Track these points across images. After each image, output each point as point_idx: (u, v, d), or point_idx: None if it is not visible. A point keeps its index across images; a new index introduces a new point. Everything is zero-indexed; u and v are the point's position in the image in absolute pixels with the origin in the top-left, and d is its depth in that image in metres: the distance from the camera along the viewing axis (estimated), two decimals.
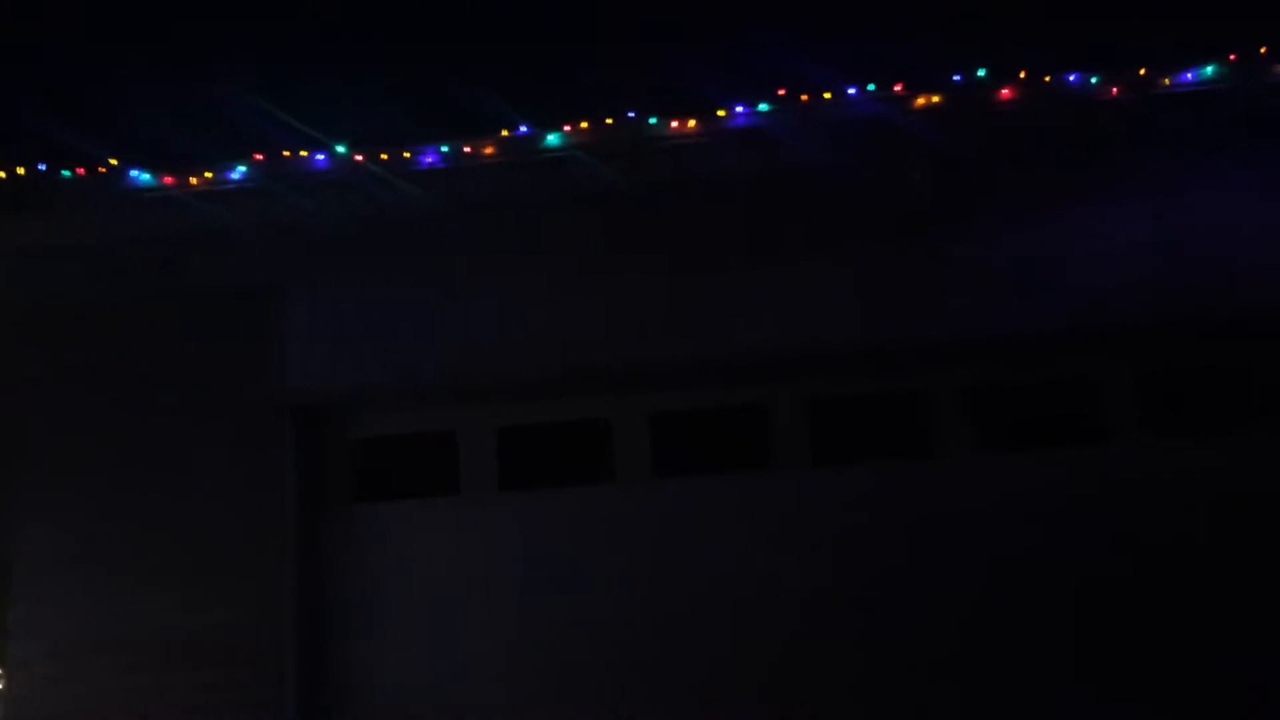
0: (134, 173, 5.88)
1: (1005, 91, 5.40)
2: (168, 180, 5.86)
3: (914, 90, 5.42)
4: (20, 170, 5.88)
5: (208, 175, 5.85)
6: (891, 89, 5.43)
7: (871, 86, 5.39)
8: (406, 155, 5.66)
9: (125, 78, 6.66)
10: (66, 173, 5.93)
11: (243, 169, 5.80)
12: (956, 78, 5.39)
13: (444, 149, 5.64)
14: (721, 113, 5.45)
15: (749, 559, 5.80)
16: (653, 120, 5.49)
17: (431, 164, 5.66)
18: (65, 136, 6.10)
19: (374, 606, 6.08)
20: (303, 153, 5.76)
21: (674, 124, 5.45)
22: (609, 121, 5.53)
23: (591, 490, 6.07)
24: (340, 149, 5.69)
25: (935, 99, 5.40)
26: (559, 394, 6.15)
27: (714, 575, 5.81)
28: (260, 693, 5.84)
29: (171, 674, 5.93)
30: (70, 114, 6.36)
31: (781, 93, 5.46)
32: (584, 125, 5.56)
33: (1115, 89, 5.35)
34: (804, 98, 5.47)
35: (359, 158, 5.69)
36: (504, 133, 5.65)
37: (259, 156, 5.79)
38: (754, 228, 5.87)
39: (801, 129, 5.41)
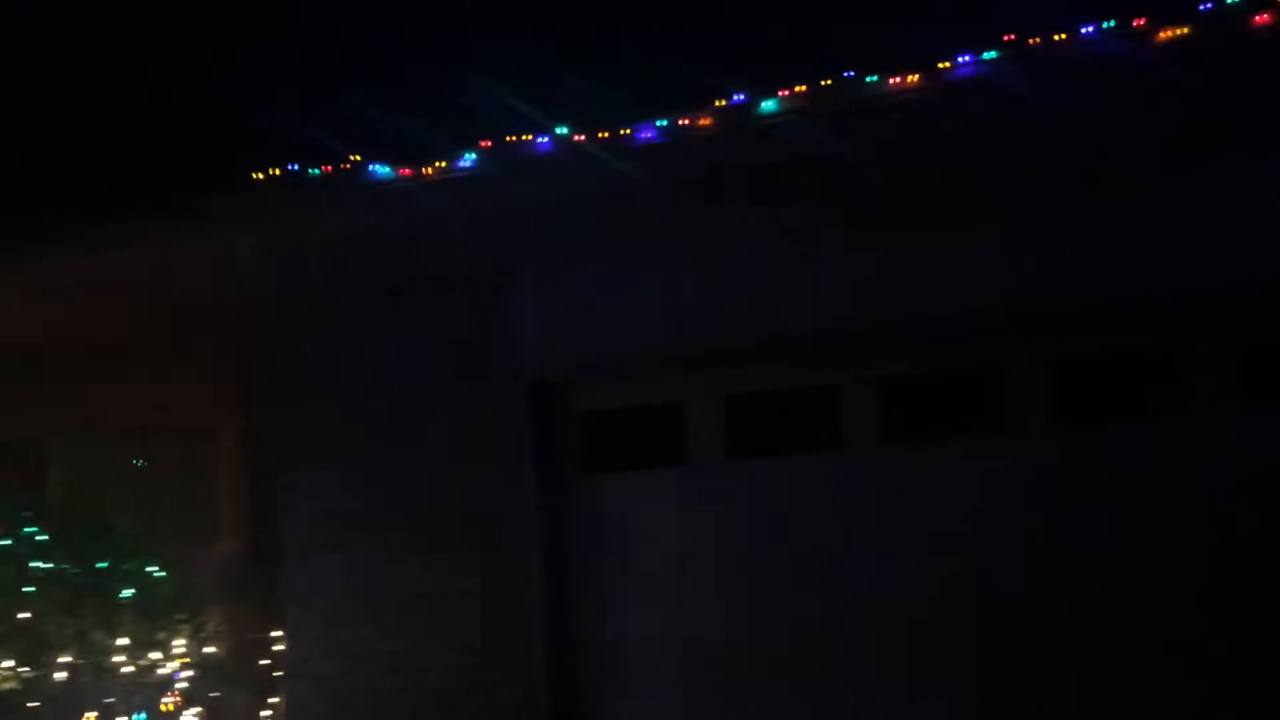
0: (373, 167, 6.12)
1: (1263, 16, 4.84)
2: (404, 172, 6.08)
3: (1156, 24, 4.93)
4: (275, 171, 6.21)
5: (440, 165, 6.03)
6: (1130, 24, 4.96)
7: (1110, 23, 4.94)
8: (625, 132, 5.65)
9: (362, 76, 6.94)
10: (314, 170, 6.22)
11: (472, 156, 5.94)
12: (1205, 6, 4.86)
13: (661, 124, 5.58)
14: (945, 65, 5.14)
15: (993, 525, 5.52)
16: (872, 78, 5.24)
17: (649, 139, 5.63)
18: (311, 136, 6.43)
19: (609, 575, 6.18)
20: (526, 137, 5.83)
21: (894, 80, 5.19)
22: (826, 83, 5.33)
23: (820, 458, 5.93)
24: (561, 131, 5.72)
25: (1181, 31, 4.90)
26: (784, 361, 6.03)
27: (952, 542, 5.57)
28: (508, 656, 6.03)
29: (429, 639, 6.21)
30: (314, 115, 6.69)
31: (1009, 38, 5.09)
32: (800, 89, 5.37)
33: None
34: (1034, 41, 5.09)
35: (580, 138, 5.71)
36: (719, 103, 5.54)
37: (486, 143, 5.90)
38: (980, 183, 5.53)
39: (1032, 75, 5.03)
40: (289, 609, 6.36)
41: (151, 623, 4.16)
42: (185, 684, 4.47)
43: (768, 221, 5.87)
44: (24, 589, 3.98)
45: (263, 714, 6.27)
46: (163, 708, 4.37)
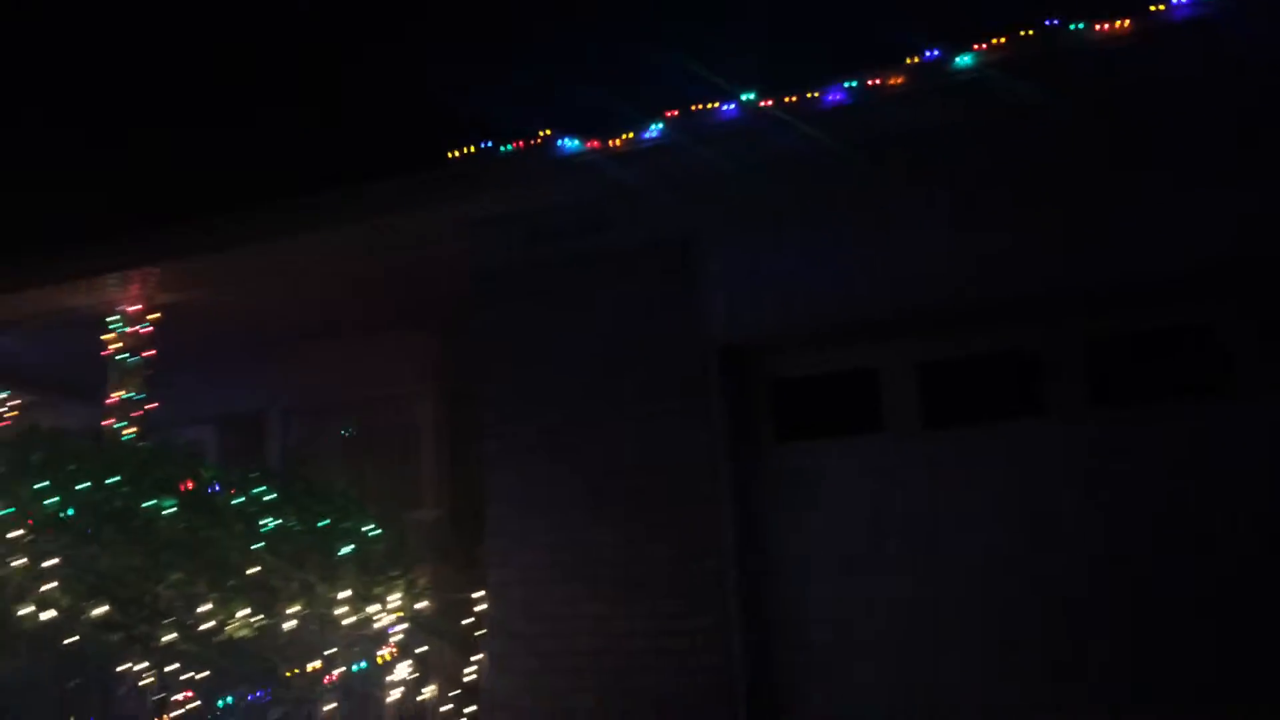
0: (562, 141, 6.19)
1: None
2: (592, 144, 6.13)
3: None
4: (470, 149, 6.36)
5: (627, 136, 6.05)
6: None
7: None
8: (812, 95, 5.53)
9: (550, 53, 7.03)
10: (506, 147, 6.34)
11: (658, 127, 5.93)
12: None
13: (849, 85, 5.44)
14: (1159, 7, 4.81)
15: (1208, 486, 5.21)
16: (1076, 25, 4.96)
17: (837, 101, 5.51)
18: (503, 114, 6.56)
19: (802, 540, 6.12)
20: (712, 105, 5.79)
21: (1101, 27, 4.90)
22: (1025, 34, 5.08)
23: (1020, 424, 5.71)
24: (747, 97, 5.65)
25: None
26: (980, 325, 5.83)
27: (1168, 515, 5.28)
28: (703, 620, 6.06)
29: (623, 603, 6.30)
30: (505, 92, 6.82)
31: None
32: (998, 41, 5.14)
33: None
34: None
35: (766, 103, 5.62)
36: (911, 60, 5.36)
37: (672, 113, 5.88)
38: (1190, 133, 5.19)
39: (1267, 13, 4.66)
40: (490, 570, 6.56)
41: (369, 578, 4.36)
42: (399, 637, 4.66)
43: (958, 181, 5.67)
44: (255, 545, 4.23)
45: (466, 670, 6.48)
46: (379, 659, 4.57)
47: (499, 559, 6.65)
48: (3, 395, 10.22)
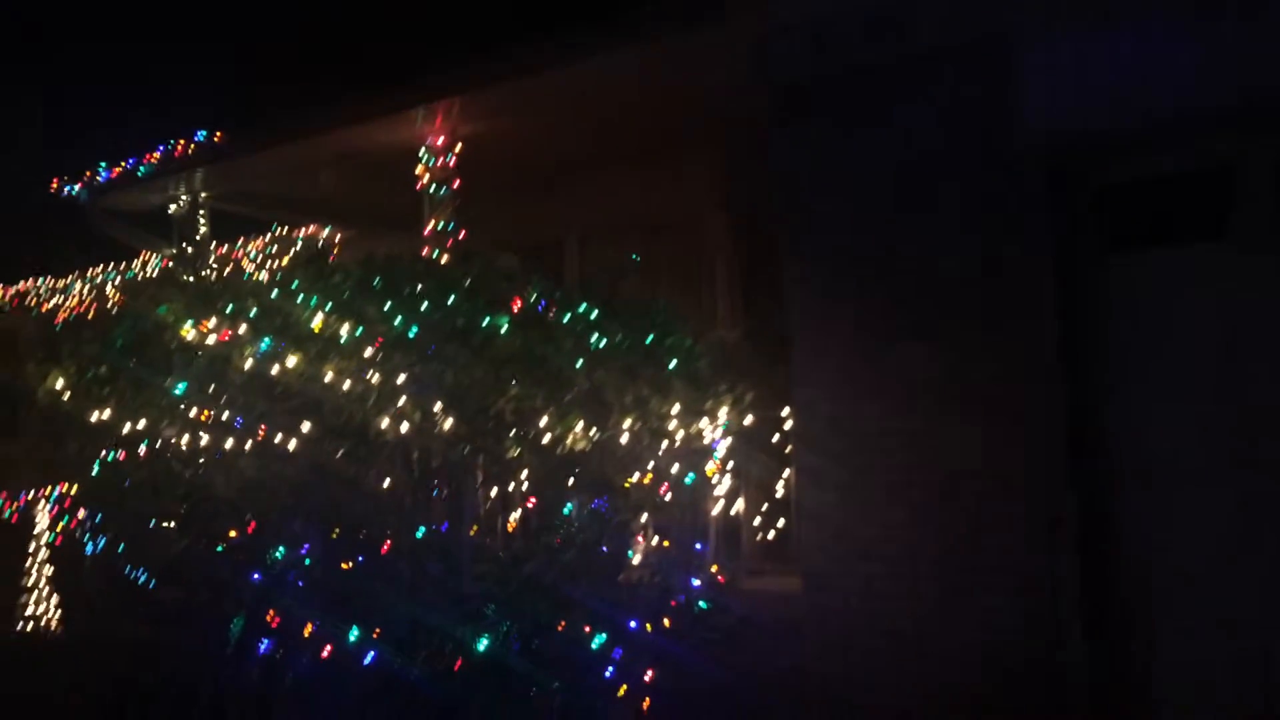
0: None
1: None
2: None
3: None
4: None
5: None
6: None
7: None
8: None
9: None
10: None
11: None
12: None
13: None
14: None
15: None
16: None
17: None
18: None
19: (1133, 361, 5.61)
20: None
21: None
22: None
23: None
24: None
25: None
26: None
27: None
28: (1020, 448, 5.72)
29: (934, 421, 6.05)
30: None
31: None
32: None
33: None
34: None
35: None
36: None
37: None
38: None
39: None
40: (796, 389, 6.44)
41: (698, 392, 4.31)
42: (720, 452, 4.64)
43: None
44: (587, 360, 4.24)
45: (776, 485, 6.46)
46: (707, 472, 4.56)
47: (805, 377, 6.50)
48: (325, 231, 10.91)
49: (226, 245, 11.52)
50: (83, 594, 10.40)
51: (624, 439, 4.34)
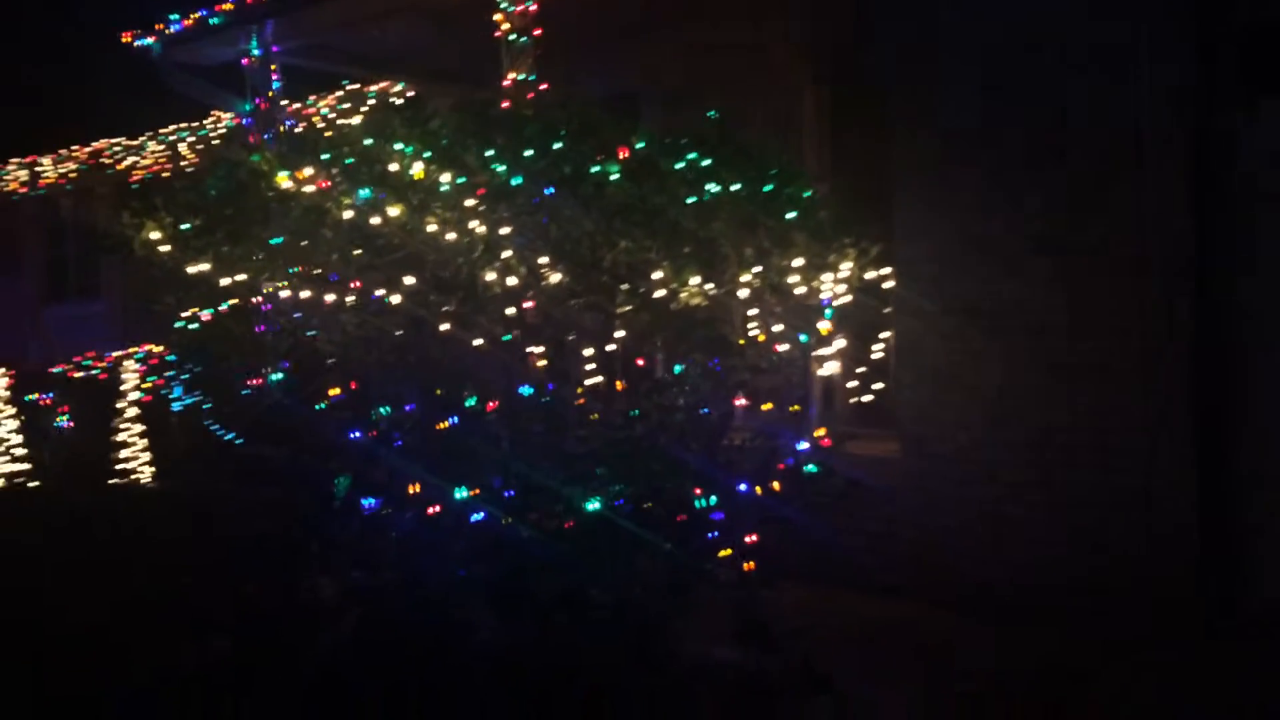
0: None
1: None
2: None
3: None
4: None
5: None
6: None
7: None
8: None
9: None
10: None
11: None
12: None
13: None
14: None
15: None
16: None
17: None
18: None
19: (1268, 222, 5.18)
20: None
21: None
22: None
23: None
24: None
25: None
26: None
27: None
28: (1136, 319, 5.37)
29: (1045, 283, 5.72)
30: None
31: None
32: None
33: None
34: None
35: None
36: None
37: None
38: None
39: None
40: (900, 248, 6.12)
41: (821, 245, 4.02)
42: (830, 311, 4.36)
43: None
44: (701, 211, 3.96)
45: (874, 348, 6.20)
46: (822, 331, 4.30)
47: (910, 236, 6.17)
48: (399, 86, 10.54)
49: (298, 104, 11.22)
50: (172, 450, 10.55)
51: (742, 294, 4.07)
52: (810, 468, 4.66)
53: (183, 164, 12.15)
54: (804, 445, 4.64)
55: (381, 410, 4.16)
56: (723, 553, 4.45)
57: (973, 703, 4.85)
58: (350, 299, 4.17)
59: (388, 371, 4.21)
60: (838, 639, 5.37)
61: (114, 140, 13.38)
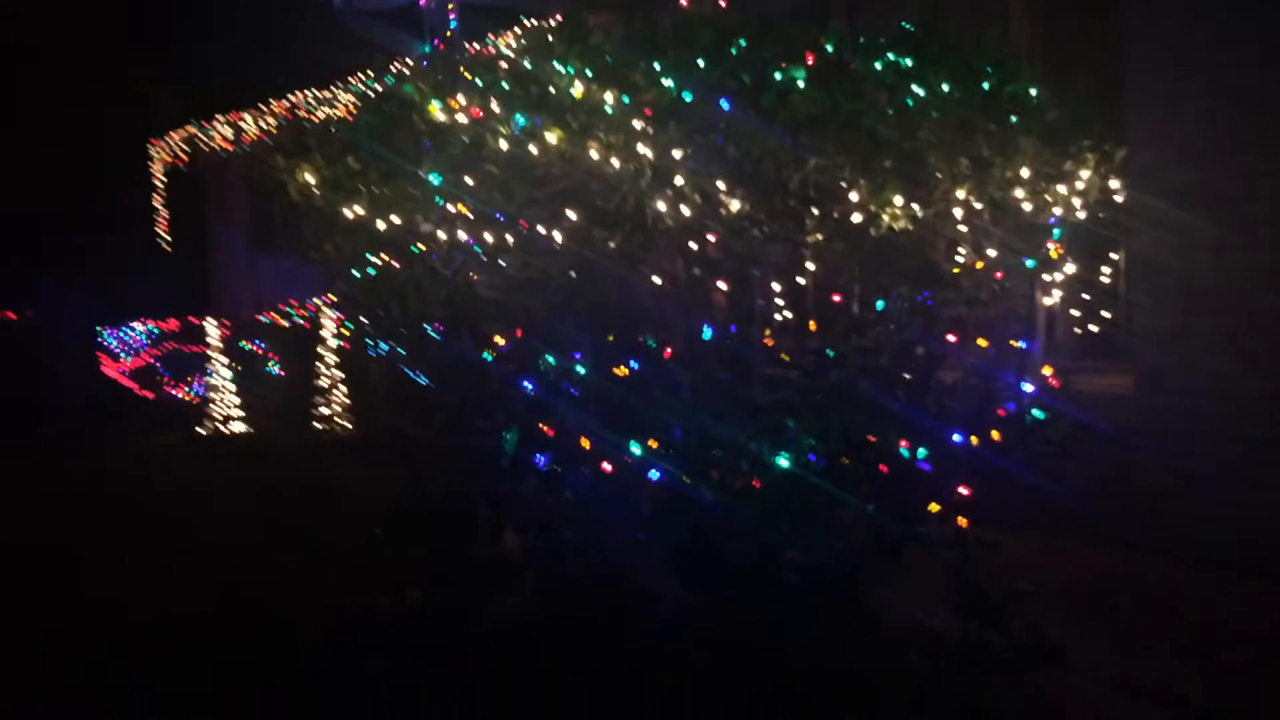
0: None
1: None
2: None
3: None
4: None
5: None
6: None
7: None
8: None
9: None
10: None
11: None
12: None
13: None
14: None
15: None
16: None
17: None
18: None
19: None
20: None
21: None
22: None
23: None
24: None
25: None
26: None
27: None
28: None
29: None
30: None
31: None
32: None
33: None
34: None
35: None
36: None
37: None
38: None
39: None
40: (1136, 151, 5.23)
41: (1056, 150, 3.32)
42: (1065, 228, 3.64)
43: None
44: (906, 117, 3.32)
45: (1102, 270, 5.36)
46: (1051, 253, 3.59)
47: (1148, 137, 5.26)
48: None
49: (477, 45, 10.95)
50: (369, 397, 10.64)
51: (957, 213, 3.41)
52: (1036, 413, 4.00)
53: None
54: (1029, 387, 3.98)
55: (548, 359, 3.75)
56: (932, 507, 3.87)
57: (1245, 673, 4.11)
58: (510, 238, 3.75)
59: (555, 316, 3.78)
60: (1069, 600, 4.70)
61: (306, 91, 13.54)
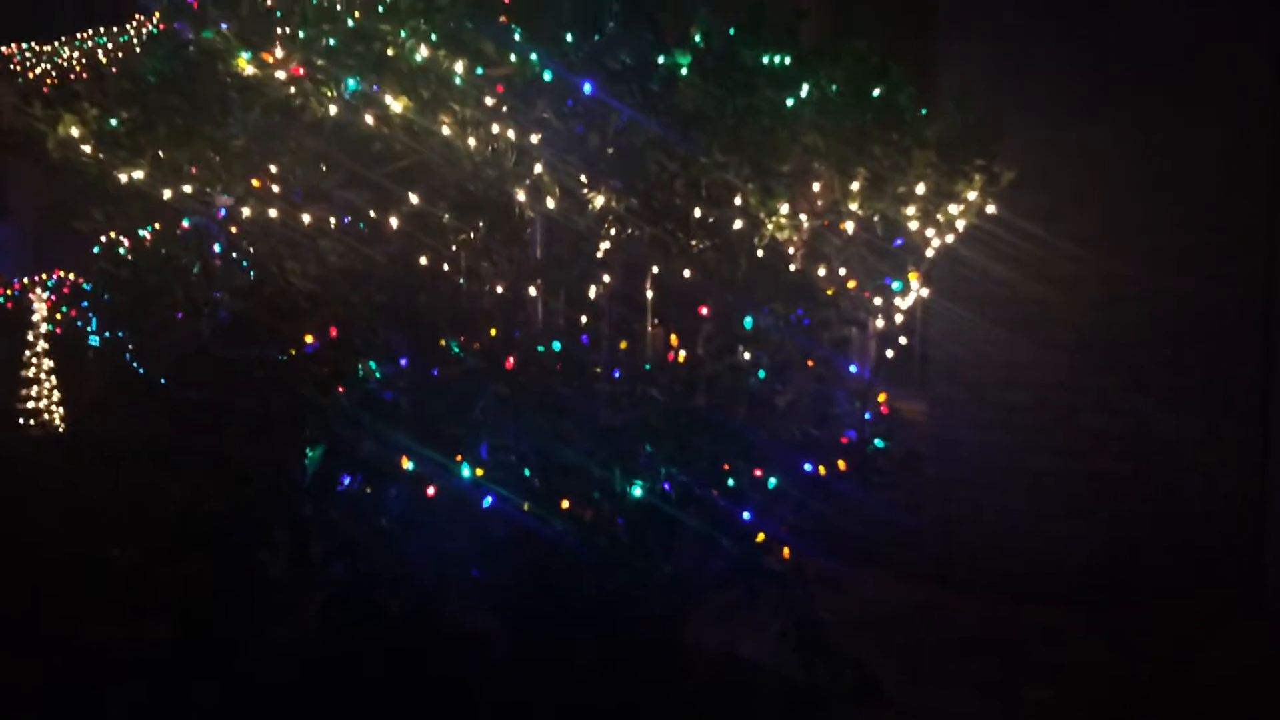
0: None
1: None
2: None
3: None
4: None
5: None
6: None
7: None
8: None
9: None
10: None
11: None
12: None
13: None
14: None
15: None
16: None
17: None
18: None
19: None
20: None
21: None
22: None
23: None
24: None
25: None
26: None
27: None
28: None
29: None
30: None
31: None
32: None
33: None
34: None
35: None
36: None
37: None
38: None
39: None
40: None
41: (948, 166, 3.12)
42: (931, 252, 3.47)
43: None
44: (798, 121, 3.03)
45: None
46: (910, 276, 3.42)
47: None
48: None
49: None
50: (89, 391, 9.32)
51: (847, 226, 3.16)
52: (878, 442, 3.84)
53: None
54: (869, 415, 3.81)
55: (370, 364, 3.20)
56: (759, 537, 3.63)
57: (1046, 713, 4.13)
58: (332, 221, 3.17)
59: (378, 315, 3.23)
60: (869, 633, 4.61)
61: (21, 45, 11.83)
